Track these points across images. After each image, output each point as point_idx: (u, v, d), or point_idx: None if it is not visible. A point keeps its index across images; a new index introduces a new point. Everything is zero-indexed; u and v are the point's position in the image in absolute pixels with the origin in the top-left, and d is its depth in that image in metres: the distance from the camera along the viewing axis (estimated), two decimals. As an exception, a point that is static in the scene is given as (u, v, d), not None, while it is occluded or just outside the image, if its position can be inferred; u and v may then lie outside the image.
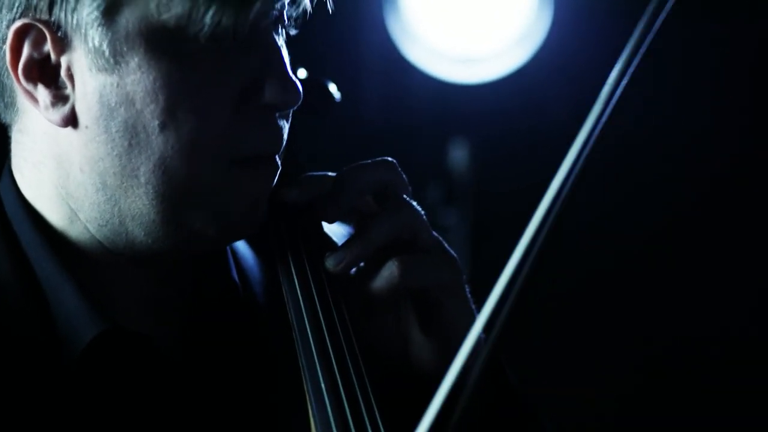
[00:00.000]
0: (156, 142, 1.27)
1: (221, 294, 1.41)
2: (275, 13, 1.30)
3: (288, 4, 1.31)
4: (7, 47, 1.29)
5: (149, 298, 1.38)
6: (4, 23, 1.29)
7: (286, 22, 1.34)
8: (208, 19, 1.24)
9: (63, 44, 1.27)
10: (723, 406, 3.00)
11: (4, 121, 1.38)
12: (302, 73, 1.43)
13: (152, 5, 1.24)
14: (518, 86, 1.34)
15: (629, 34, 1.00)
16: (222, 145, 1.29)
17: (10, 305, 1.33)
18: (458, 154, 1.38)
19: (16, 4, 1.28)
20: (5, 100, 1.36)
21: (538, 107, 1.38)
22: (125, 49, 1.26)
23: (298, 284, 1.32)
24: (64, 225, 1.35)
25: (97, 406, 1.30)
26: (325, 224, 1.39)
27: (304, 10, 1.34)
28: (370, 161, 1.37)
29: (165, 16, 1.24)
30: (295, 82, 1.30)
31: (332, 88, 1.50)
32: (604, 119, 1.01)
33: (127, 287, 1.37)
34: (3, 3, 1.29)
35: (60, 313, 1.32)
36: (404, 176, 1.37)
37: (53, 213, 1.36)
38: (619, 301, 2.93)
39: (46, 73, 1.29)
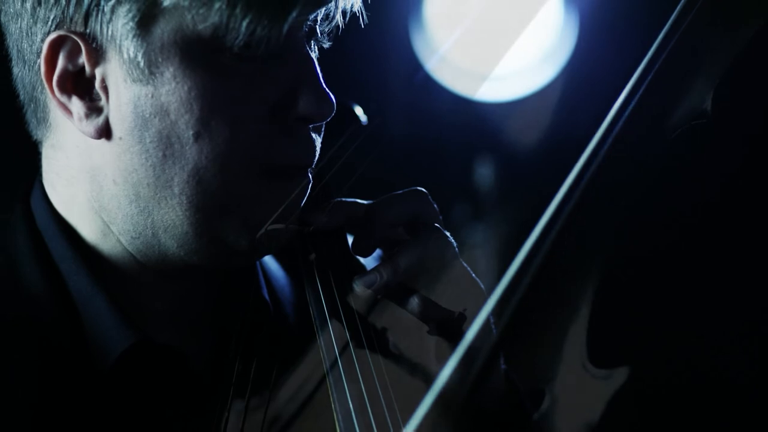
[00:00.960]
0: (190, 152, 1.27)
1: (251, 311, 1.43)
2: (309, 24, 1.32)
3: (321, 18, 1.33)
4: (42, 60, 1.29)
5: (180, 312, 1.39)
6: (39, 36, 1.30)
7: (319, 35, 1.35)
8: (243, 27, 1.24)
9: (98, 56, 1.28)
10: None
11: (35, 137, 1.39)
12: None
13: (188, 16, 1.25)
14: (544, 104, 1.34)
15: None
16: (255, 156, 1.29)
17: (42, 318, 1.34)
18: (484, 172, 1.39)
19: (51, 17, 1.29)
20: (38, 116, 1.36)
21: (565, 124, 1.38)
22: (160, 59, 1.26)
23: (326, 307, 1.33)
24: (97, 239, 1.36)
25: (127, 415, 1.31)
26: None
27: (337, 25, 1.35)
28: (401, 192, 1.37)
29: (201, 27, 1.25)
30: (328, 94, 1.31)
31: (358, 110, 1.51)
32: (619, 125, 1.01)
33: (158, 301, 1.38)
34: (38, 17, 1.30)
35: (92, 326, 1.33)
36: (435, 205, 1.36)
37: (85, 227, 1.36)
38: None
39: (80, 85, 1.30)
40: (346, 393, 1.21)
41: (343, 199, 1.38)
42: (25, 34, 1.31)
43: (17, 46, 1.33)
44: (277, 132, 1.29)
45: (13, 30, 1.33)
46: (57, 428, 1.28)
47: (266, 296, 1.41)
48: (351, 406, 1.20)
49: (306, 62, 1.31)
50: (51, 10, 1.28)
